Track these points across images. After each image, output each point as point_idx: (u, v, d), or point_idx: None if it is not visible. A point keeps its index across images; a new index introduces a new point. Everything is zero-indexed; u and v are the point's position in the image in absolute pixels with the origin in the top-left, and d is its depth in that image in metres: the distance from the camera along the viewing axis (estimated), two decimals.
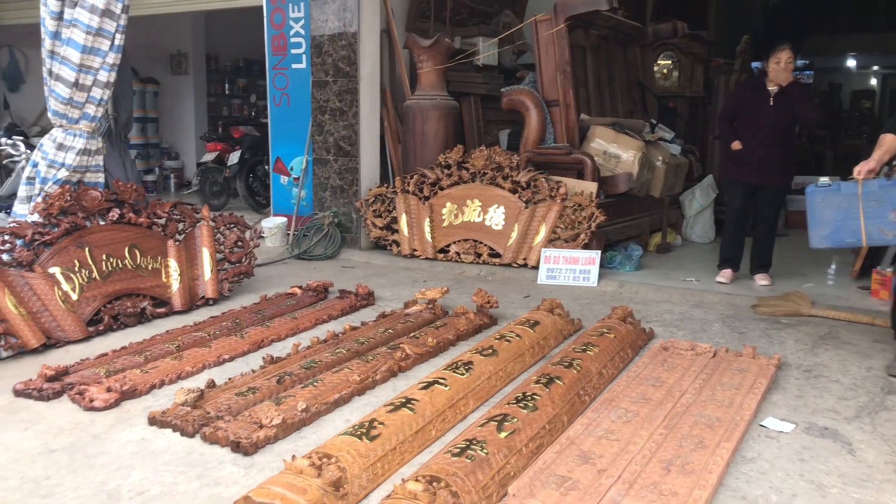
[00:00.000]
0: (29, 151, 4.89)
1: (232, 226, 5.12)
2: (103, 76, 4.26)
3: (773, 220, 5.44)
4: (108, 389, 3.39)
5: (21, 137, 4.96)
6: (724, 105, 5.98)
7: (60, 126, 4.28)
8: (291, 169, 6.94)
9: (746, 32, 8.84)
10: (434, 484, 2.37)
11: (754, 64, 8.16)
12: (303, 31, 6.60)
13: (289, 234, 6.75)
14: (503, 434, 2.75)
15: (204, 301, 4.85)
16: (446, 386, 3.20)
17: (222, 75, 12.91)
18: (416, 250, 6.15)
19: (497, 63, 7.64)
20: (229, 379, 3.51)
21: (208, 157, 8.73)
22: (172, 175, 11.66)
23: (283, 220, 6.65)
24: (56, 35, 4.08)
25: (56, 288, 4.14)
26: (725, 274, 5.48)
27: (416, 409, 2.97)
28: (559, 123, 6.01)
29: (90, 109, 4.31)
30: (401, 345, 3.85)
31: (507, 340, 3.77)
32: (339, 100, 6.39)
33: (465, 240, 5.97)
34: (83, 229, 4.39)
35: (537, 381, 3.24)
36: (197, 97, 11.94)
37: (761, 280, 5.41)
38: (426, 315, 4.53)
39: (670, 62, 8.50)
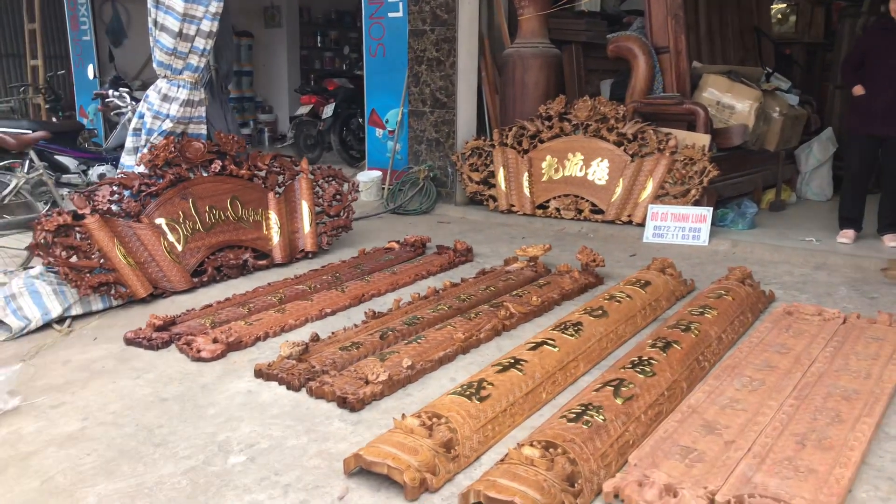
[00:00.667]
0: (134, 103, 4.94)
1: (330, 179, 5.07)
2: (206, 26, 4.22)
3: None
4: (215, 340, 3.41)
5: (126, 90, 5.03)
6: (850, 51, 5.46)
7: (165, 77, 4.29)
8: (387, 122, 6.83)
9: None
10: (550, 450, 2.25)
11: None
12: None
13: (383, 188, 6.68)
14: (620, 400, 2.59)
15: (303, 254, 4.84)
16: (555, 347, 3.05)
17: (314, 28, 12.91)
18: (513, 206, 5.97)
19: (600, 8, 7.27)
20: (332, 333, 3.47)
21: (302, 110, 8.73)
22: (266, 128, 11.79)
23: (378, 174, 6.58)
24: None
25: (162, 239, 4.19)
26: (847, 234, 5.08)
27: (526, 371, 2.84)
28: (668, 72, 5.65)
29: (193, 60, 4.29)
30: (504, 303, 3.71)
31: (618, 301, 3.58)
32: (437, 49, 6.21)
33: (566, 195, 5.74)
34: (187, 181, 4.41)
35: (653, 345, 3.05)
36: (290, 50, 11.98)
37: (891, 241, 4.98)
38: (528, 273, 4.37)
39: (786, 5, 7.88)
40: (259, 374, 3.09)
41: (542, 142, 5.88)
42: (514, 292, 3.95)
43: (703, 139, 5.25)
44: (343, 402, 2.80)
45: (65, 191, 5.36)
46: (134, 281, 3.98)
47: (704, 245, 5.03)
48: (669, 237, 5.12)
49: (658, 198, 5.30)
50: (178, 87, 4.31)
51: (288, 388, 2.97)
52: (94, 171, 5.93)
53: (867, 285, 4.19)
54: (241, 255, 4.53)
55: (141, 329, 3.55)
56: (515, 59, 6.09)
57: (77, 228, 3.90)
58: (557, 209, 5.76)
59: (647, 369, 2.82)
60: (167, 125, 4.33)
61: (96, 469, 2.35)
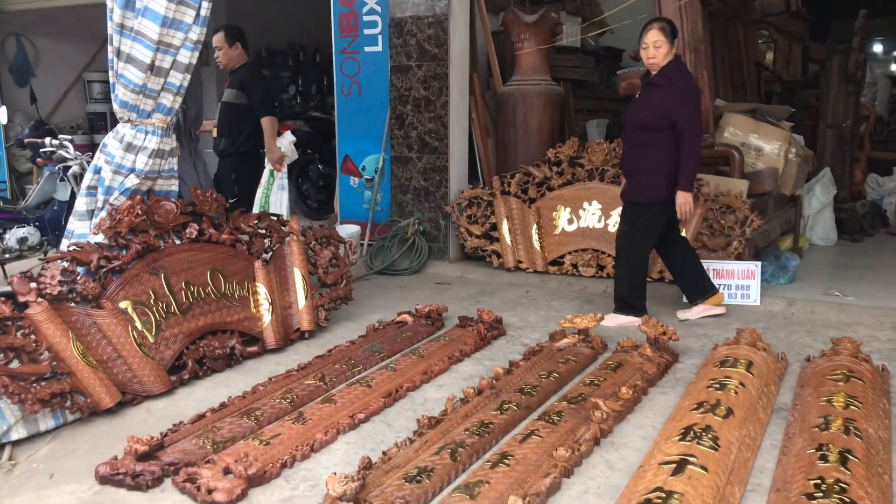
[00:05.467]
0: (79, 154, 3.99)
1: (325, 241, 4.23)
2: (185, 57, 3.34)
3: None
4: (227, 472, 2.52)
5: (67, 137, 4.06)
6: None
7: (129, 121, 3.37)
8: (363, 169, 6.03)
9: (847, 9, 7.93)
10: None
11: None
12: (378, 8, 5.67)
13: (362, 245, 5.85)
14: None
15: (299, 334, 3.96)
16: (704, 468, 2.33)
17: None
18: (521, 262, 5.27)
19: (580, 45, 6.77)
20: (383, 454, 2.64)
21: None
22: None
23: (356, 228, 5.75)
24: (127, 4, 3.17)
25: (130, 328, 3.24)
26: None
27: None
28: None
29: (166, 100, 3.40)
30: (590, 398, 2.98)
31: (733, 392, 2.90)
32: (425, 87, 5.49)
33: (584, 249, 5.08)
34: (157, 251, 3.49)
35: (823, 458, 2.38)
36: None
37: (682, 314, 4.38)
38: (585, 350, 3.66)
39: (762, 41, 7.62)
40: None
41: (551, 189, 5.22)
42: (589, 381, 3.22)
43: (739, 185, 4.73)
44: None
45: None
46: (96, 387, 3.02)
47: (756, 305, 4.46)
48: None
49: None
50: (147, 133, 3.40)
51: None
52: (12, 236, 4.87)
53: None
54: (227, 341, 3.62)
55: (117, 459, 2.61)
56: (516, 98, 5.44)
57: (18, 322, 2.93)
58: (574, 265, 5.09)
59: (847, 500, 2.14)
60: (131, 181, 3.41)
61: None
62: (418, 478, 2.43)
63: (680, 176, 3.99)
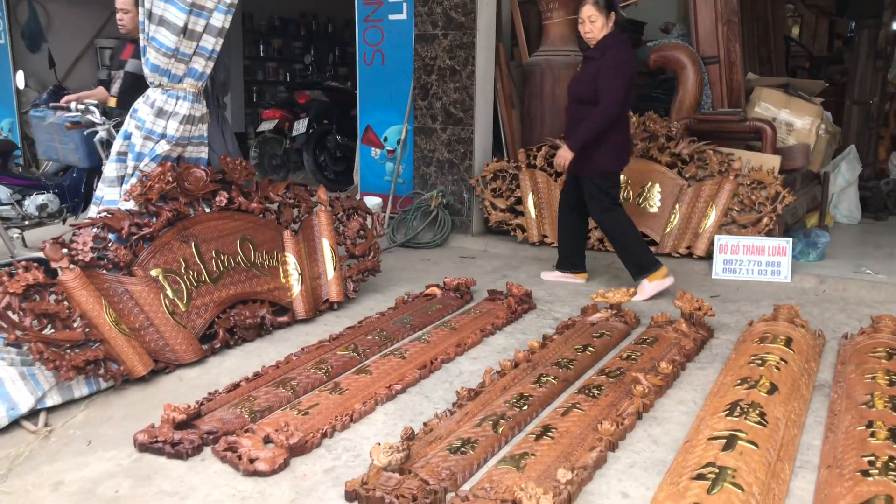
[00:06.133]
0: (105, 119, 3.91)
1: (352, 211, 4.18)
2: (218, 20, 3.27)
3: None
4: (267, 441, 2.51)
5: (93, 103, 3.99)
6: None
7: (160, 86, 3.31)
8: (385, 140, 5.96)
9: None
10: None
11: None
12: None
13: (384, 217, 5.79)
14: None
15: (328, 305, 3.93)
16: (754, 444, 2.30)
17: (257, 36, 11.85)
18: (546, 236, 5.21)
19: None
20: (424, 425, 2.61)
21: (266, 126, 7.72)
22: None
23: (378, 200, 5.69)
24: None
25: (162, 296, 3.21)
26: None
27: (742, 484, 2.08)
28: (718, 84, 5.05)
29: (198, 64, 3.34)
30: (631, 372, 2.94)
31: (776, 368, 2.86)
32: (451, 56, 5.39)
33: None
34: (187, 218, 3.44)
35: (873, 435, 2.35)
36: (231, 59, 10.86)
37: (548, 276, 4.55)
38: (618, 325, 3.62)
39: (789, 16, 7.48)
40: (353, 496, 2.20)
41: None
42: (626, 355, 3.18)
43: (772, 160, 4.66)
44: None
45: (14, 233, 4.25)
46: (130, 354, 3.00)
47: (787, 282, 4.41)
48: (744, 273, 4.47)
49: (723, 227, 4.66)
50: (178, 99, 3.34)
51: None
52: (31, 202, 4.82)
53: None
54: (258, 310, 3.59)
55: (155, 427, 2.59)
56: (544, 69, 5.34)
57: (51, 288, 2.89)
58: (600, 240, 5.03)
59: None
60: (162, 148, 3.36)
61: None
62: (462, 449, 2.41)
63: (575, 134, 4.06)
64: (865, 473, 2.14)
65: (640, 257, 4.20)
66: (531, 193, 5.22)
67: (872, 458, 2.20)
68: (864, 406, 2.57)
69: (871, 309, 3.91)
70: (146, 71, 3.31)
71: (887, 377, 2.77)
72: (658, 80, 6.28)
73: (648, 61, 5.38)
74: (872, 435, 2.36)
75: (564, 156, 4.12)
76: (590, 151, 4.09)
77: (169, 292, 3.25)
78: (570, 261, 4.52)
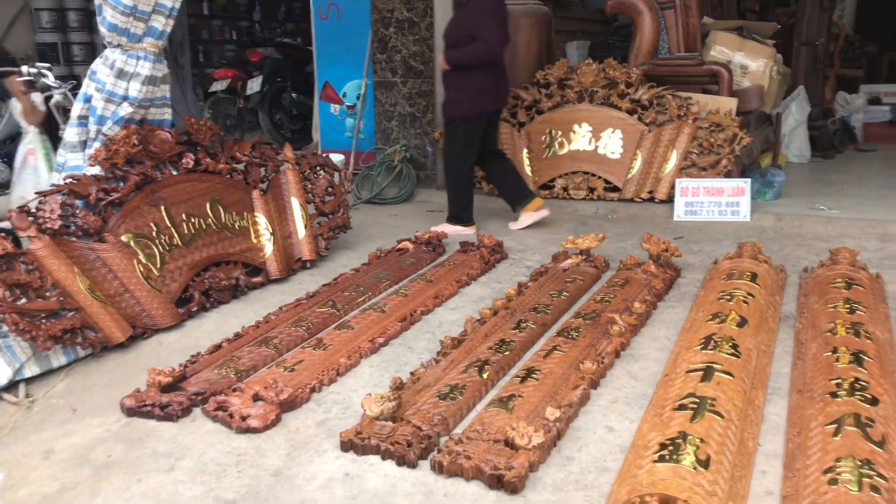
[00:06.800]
0: (61, 82, 3.78)
1: (319, 168, 4.16)
2: None
3: None
4: (257, 399, 2.53)
5: (46, 66, 3.83)
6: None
7: (119, 46, 3.21)
8: (344, 95, 5.89)
9: None
10: None
11: None
12: None
13: (349, 173, 5.75)
14: (878, 445, 2.00)
15: (301, 264, 3.93)
16: (730, 374, 2.41)
17: None
18: None
19: None
20: (411, 374, 2.67)
21: (218, 86, 7.53)
22: None
23: (341, 157, 5.65)
24: None
25: (136, 261, 3.17)
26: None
27: (722, 411, 2.19)
28: (674, 29, 5.11)
29: (158, 22, 3.24)
30: (606, 314, 3.03)
31: (744, 302, 2.98)
32: (408, 8, 5.33)
33: (574, 172, 5.09)
34: (155, 182, 3.39)
35: (838, 359, 2.48)
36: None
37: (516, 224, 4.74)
38: (589, 270, 3.70)
39: None
40: (349, 445, 2.25)
41: (540, 112, 5.18)
42: (601, 297, 3.27)
43: (729, 103, 4.75)
44: (497, 482, 2.03)
45: None
46: (107, 321, 2.97)
47: (746, 221, 4.55)
48: (705, 214, 4.60)
49: (682, 170, 4.76)
50: (138, 59, 3.25)
51: (399, 463, 2.16)
52: None
53: None
54: (232, 272, 3.57)
55: (141, 391, 2.59)
56: None
57: (21, 258, 2.84)
58: (565, 188, 5.11)
59: (868, 396, 2.24)
60: (124, 110, 3.27)
61: None
62: (451, 395, 2.47)
63: (454, 52, 4.29)
64: (834, 395, 2.27)
65: (458, 210, 4.54)
66: None
67: (839, 380, 2.34)
68: (828, 333, 2.70)
69: (826, 243, 4.07)
70: (103, 30, 3.21)
71: (847, 305, 2.92)
72: (615, 27, 6.32)
73: (605, 8, 5.39)
74: (837, 360, 2.49)
75: (440, 63, 4.46)
76: (454, 93, 4.35)
77: (142, 257, 3.22)
78: (518, 196, 4.63)
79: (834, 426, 2.10)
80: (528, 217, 4.59)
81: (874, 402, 2.21)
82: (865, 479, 1.84)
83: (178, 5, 3.27)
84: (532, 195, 4.61)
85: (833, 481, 1.85)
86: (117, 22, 3.15)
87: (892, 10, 9.98)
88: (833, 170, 6.30)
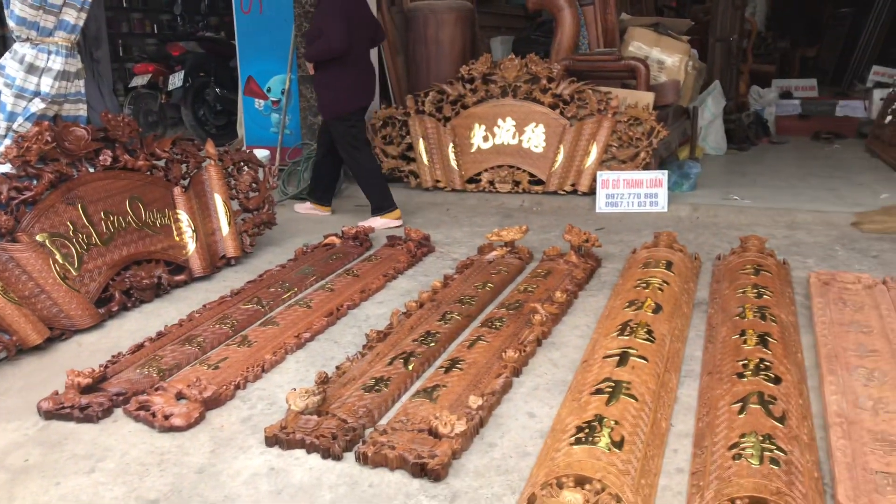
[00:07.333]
0: None
1: (242, 164, 4.11)
2: None
3: None
4: (180, 397, 2.51)
5: None
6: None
7: (28, 40, 3.11)
8: (268, 90, 5.82)
9: None
10: None
11: None
12: None
13: (275, 168, 5.70)
14: (779, 422, 2.12)
15: (225, 261, 3.89)
16: (644, 358, 2.51)
17: None
18: (439, 181, 5.30)
19: None
20: (337, 368, 2.69)
21: (139, 80, 7.33)
22: None
23: (266, 152, 5.58)
24: None
25: (52, 261, 3.09)
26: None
27: (636, 395, 2.29)
28: (593, 25, 5.25)
29: (69, 16, 3.15)
30: (528, 303, 3.11)
31: (659, 289, 3.11)
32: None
33: (499, 166, 5.18)
34: (70, 180, 3.30)
35: (745, 341, 2.62)
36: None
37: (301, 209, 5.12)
38: (513, 261, 3.78)
39: None
40: (274, 441, 2.26)
41: (465, 107, 5.24)
42: (524, 287, 3.35)
43: (646, 97, 4.91)
44: (421, 470, 2.08)
45: None
46: (21, 323, 2.89)
47: (664, 211, 4.72)
48: (625, 205, 4.75)
49: (603, 163, 4.90)
50: (49, 53, 3.16)
51: (324, 456, 2.18)
52: None
53: (856, 242, 4.06)
54: (153, 270, 3.51)
55: (59, 393, 2.54)
56: (427, 14, 5.36)
57: None
58: (491, 182, 5.19)
59: (772, 375, 2.38)
60: (36, 106, 3.18)
61: None
62: (376, 387, 2.50)
63: (306, 50, 4.47)
64: (740, 375, 2.39)
65: (379, 199, 4.63)
66: (421, 139, 5.29)
67: (746, 361, 2.46)
68: (737, 317, 2.84)
69: (739, 231, 4.26)
70: (11, 24, 3.10)
71: (755, 290, 3.07)
72: (538, 23, 6.44)
73: (528, 4, 5.49)
74: (745, 342, 2.62)
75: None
76: (322, 94, 4.48)
77: (58, 257, 3.13)
78: (316, 195, 4.93)
79: (739, 405, 2.22)
80: (307, 210, 4.98)
81: (777, 380, 2.34)
82: (766, 453, 1.95)
83: None
84: (328, 203, 4.96)
85: (737, 456, 1.96)
86: (26, 15, 3.06)
87: (802, 8, 10.47)
88: (747, 161, 6.57)
